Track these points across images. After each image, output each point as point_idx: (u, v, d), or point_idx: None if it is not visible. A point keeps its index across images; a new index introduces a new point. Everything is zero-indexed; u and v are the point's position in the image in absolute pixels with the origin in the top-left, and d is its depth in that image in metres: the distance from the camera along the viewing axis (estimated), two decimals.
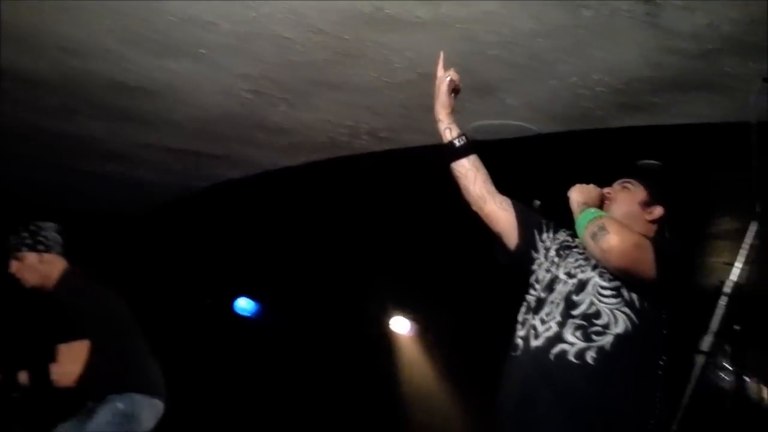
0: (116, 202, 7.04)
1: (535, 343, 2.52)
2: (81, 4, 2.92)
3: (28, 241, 3.78)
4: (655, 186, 2.78)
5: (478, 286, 5.84)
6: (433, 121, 2.82)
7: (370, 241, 6.89)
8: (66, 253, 3.86)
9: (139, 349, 3.89)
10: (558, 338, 2.47)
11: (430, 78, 3.50)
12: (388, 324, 8.49)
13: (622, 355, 2.39)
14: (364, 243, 6.97)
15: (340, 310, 7.90)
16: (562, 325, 2.49)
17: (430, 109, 3.87)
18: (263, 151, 4.69)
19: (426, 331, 8.48)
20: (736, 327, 1.51)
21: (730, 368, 1.52)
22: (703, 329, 1.49)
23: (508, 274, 2.86)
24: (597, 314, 2.46)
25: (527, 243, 2.76)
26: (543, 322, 2.55)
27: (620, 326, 2.42)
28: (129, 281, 6.19)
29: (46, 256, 3.79)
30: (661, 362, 2.43)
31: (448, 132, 2.78)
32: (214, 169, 5.42)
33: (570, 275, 2.64)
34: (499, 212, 2.78)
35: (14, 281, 3.83)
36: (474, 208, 2.81)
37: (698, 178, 5.03)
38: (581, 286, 2.57)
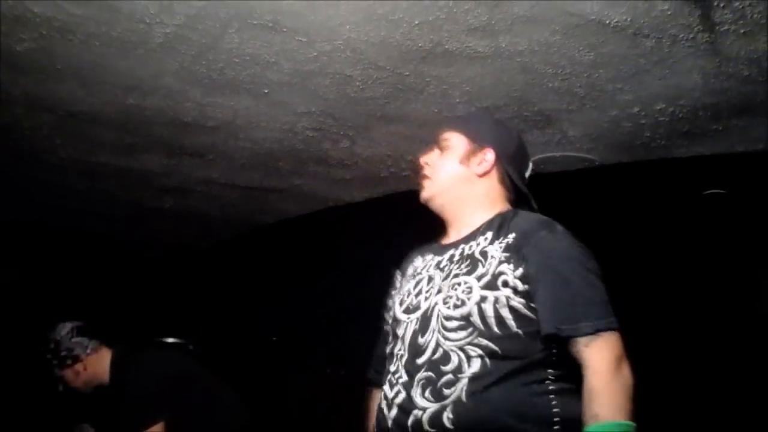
0: (175, 236, 7.11)
1: (390, 414, 1.93)
2: (141, 44, 2.97)
3: (55, 362, 3.57)
4: (475, 126, 2.21)
5: None
6: None
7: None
8: (102, 339, 3.63)
9: (210, 400, 3.59)
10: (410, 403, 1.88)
11: (491, 111, 3.49)
12: None
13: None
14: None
15: None
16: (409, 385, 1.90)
17: None
18: (324, 185, 4.71)
19: None
20: None
21: None
22: None
23: None
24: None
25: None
26: (391, 385, 1.96)
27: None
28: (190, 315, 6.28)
29: (79, 364, 3.55)
30: None
31: None
32: (272, 203, 5.45)
33: (410, 309, 2.03)
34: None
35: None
36: None
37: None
38: (425, 321, 1.95)
